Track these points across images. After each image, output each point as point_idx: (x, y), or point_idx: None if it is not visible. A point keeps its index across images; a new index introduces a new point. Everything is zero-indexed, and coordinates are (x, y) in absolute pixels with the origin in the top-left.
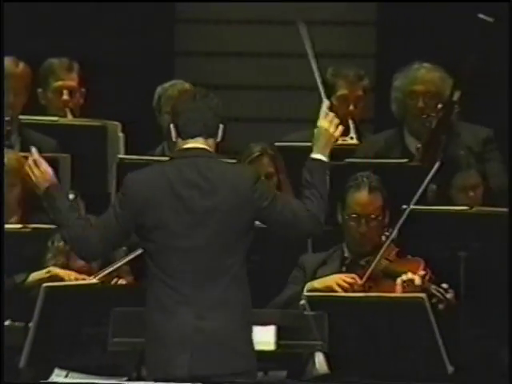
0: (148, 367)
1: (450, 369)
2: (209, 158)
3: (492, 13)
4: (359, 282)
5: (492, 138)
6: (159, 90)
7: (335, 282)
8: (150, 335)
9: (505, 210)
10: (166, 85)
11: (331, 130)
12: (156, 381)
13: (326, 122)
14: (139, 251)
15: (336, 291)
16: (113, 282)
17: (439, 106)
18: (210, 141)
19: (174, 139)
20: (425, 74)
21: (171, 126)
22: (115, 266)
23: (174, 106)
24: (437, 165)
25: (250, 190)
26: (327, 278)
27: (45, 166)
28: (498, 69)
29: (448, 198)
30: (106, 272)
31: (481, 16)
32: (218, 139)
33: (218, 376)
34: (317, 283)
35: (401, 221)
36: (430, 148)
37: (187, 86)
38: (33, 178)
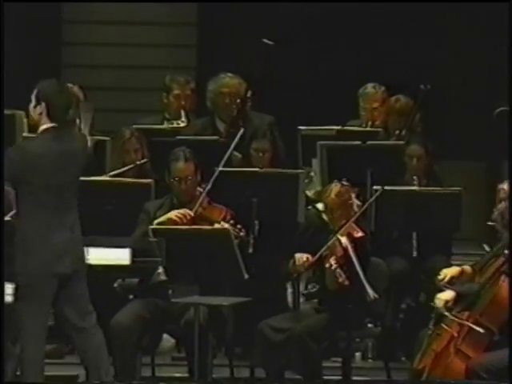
0: (27, 270)
1: (246, 276)
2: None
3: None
4: (190, 213)
5: (274, 121)
6: None
7: (174, 215)
8: (32, 249)
9: (282, 170)
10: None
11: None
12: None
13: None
14: None
15: (176, 221)
16: None
17: (238, 100)
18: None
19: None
20: (229, 81)
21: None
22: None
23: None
24: (241, 131)
25: (87, 151)
26: (168, 213)
27: None
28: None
29: (249, 158)
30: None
31: (264, 40)
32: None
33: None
34: (163, 218)
35: (213, 178)
36: (231, 128)
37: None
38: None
